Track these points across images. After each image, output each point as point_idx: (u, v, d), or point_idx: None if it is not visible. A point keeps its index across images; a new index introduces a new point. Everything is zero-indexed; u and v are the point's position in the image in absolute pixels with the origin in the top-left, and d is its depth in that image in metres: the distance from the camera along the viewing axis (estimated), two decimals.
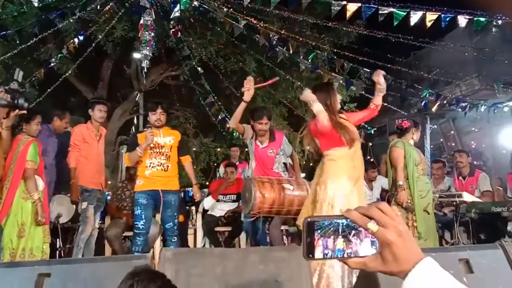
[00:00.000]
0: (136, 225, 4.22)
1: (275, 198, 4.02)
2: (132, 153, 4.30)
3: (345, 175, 3.29)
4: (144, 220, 4.21)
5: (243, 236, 5.49)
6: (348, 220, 0.74)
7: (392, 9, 6.04)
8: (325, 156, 3.45)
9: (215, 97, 8.92)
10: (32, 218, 4.00)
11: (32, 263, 2.38)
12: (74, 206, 5.16)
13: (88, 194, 4.71)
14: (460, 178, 5.97)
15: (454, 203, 5.04)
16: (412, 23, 6.13)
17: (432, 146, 11.44)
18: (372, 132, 10.75)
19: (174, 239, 4.36)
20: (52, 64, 8.15)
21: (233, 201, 6.08)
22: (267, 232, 4.35)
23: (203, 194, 6.45)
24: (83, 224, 4.67)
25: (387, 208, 0.74)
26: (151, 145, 4.32)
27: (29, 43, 7.75)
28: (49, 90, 7.93)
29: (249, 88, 4.05)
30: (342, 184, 3.27)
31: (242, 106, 4.19)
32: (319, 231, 0.74)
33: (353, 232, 0.74)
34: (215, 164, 11.48)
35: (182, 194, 6.29)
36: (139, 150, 4.24)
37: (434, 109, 8.98)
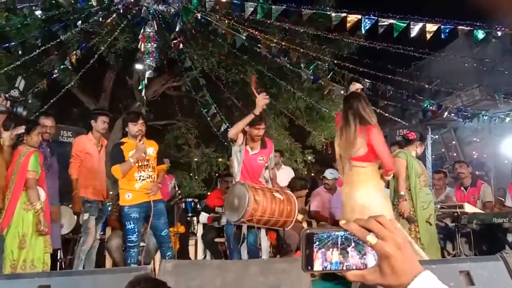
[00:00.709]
0: (130, 239, 4.24)
1: (266, 207, 3.85)
2: (124, 165, 4.25)
3: None
4: (137, 233, 4.26)
5: (244, 246, 5.46)
6: (347, 232, 0.74)
7: (392, 21, 6.09)
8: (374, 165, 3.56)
9: (217, 108, 8.96)
10: (33, 229, 3.99)
11: (32, 275, 2.38)
12: (75, 217, 5.16)
13: (89, 205, 4.71)
14: (462, 188, 5.96)
15: (455, 214, 5.03)
16: (412, 35, 6.17)
17: (433, 156, 11.42)
18: None
19: (170, 245, 4.47)
20: (54, 76, 8.21)
21: None
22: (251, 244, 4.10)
23: (199, 208, 6.42)
24: (85, 235, 4.66)
25: (386, 220, 0.74)
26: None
27: (32, 55, 7.82)
28: (52, 101, 7.98)
29: (264, 100, 4.10)
30: None
31: (249, 118, 4.11)
32: (317, 243, 0.74)
33: (352, 244, 0.74)
34: (217, 175, 11.49)
35: (183, 204, 6.26)
36: (132, 160, 4.23)
37: (434, 117, 8.99)
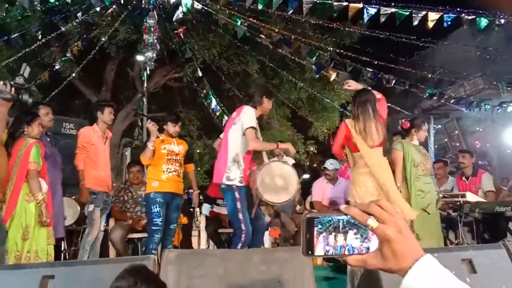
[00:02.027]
0: (155, 222, 4.46)
1: None
2: (145, 151, 4.60)
3: None
4: (162, 218, 4.48)
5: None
6: (348, 216, 0.74)
7: (394, 10, 6.04)
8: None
9: (218, 99, 8.95)
10: (35, 220, 4.00)
11: (36, 265, 2.40)
12: (79, 208, 5.18)
13: (95, 196, 4.71)
14: (464, 178, 5.96)
15: (458, 203, 5.02)
16: (414, 23, 6.12)
17: (436, 146, 11.43)
18: None
19: (173, 239, 4.82)
20: (56, 67, 8.19)
21: None
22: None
23: (201, 199, 6.47)
24: (90, 226, 4.68)
25: (387, 204, 0.74)
26: (164, 151, 4.62)
27: (33, 47, 7.79)
28: (53, 93, 7.97)
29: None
30: None
31: (272, 146, 4.05)
32: (319, 226, 0.74)
33: (353, 229, 0.74)
34: None
35: (186, 196, 6.28)
36: (150, 145, 4.54)
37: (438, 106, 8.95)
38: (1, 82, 3.03)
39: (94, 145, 4.85)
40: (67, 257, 4.97)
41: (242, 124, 3.84)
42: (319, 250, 0.74)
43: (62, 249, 4.91)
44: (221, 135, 4.29)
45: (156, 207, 4.50)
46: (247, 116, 3.86)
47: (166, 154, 4.67)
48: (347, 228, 0.74)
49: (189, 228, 6.28)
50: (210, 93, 9.03)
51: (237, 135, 3.89)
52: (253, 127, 3.83)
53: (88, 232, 4.66)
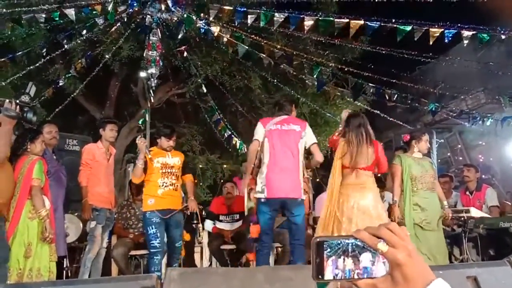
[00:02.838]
0: (153, 244, 4.29)
1: None
2: (134, 169, 4.47)
3: None
4: (159, 238, 4.28)
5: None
6: (358, 240, 0.73)
7: (395, 25, 6.08)
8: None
9: (221, 114, 8.98)
10: (38, 238, 4.00)
11: (37, 284, 2.39)
12: (81, 225, 5.17)
13: (97, 213, 4.72)
14: (467, 193, 5.93)
15: (462, 218, 5.00)
16: (415, 38, 6.16)
17: (439, 160, 11.38)
18: None
19: (178, 257, 4.55)
20: (60, 84, 8.26)
21: (236, 220, 5.90)
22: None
23: (204, 215, 6.43)
24: (91, 243, 4.68)
25: (397, 228, 0.74)
26: (158, 164, 4.45)
27: (38, 64, 7.88)
28: (57, 109, 8.03)
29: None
30: None
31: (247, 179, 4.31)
32: (328, 250, 0.74)
33: (363, 252, 0.74)
34: (221, 181, 11.48)
35: (189, 212, 6.26)
36: (139, 163, 4.36)
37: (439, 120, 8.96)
38: (7, 100, 3.07)
39: (98, 162, 4.88)
40: (69, 274, 4.95)
41: (307, 139, 4.13)
42: (328, 274, 0.73)
43: (64, 266, 4.89)
44: (260, 138, 4.15)
45: (152, 228, 4.32)
46: (311, 131, 4.24)
47: (160, 168, 4.46)
48: (357, 252, 0.73)
49: (192, 245, 6.23)
50: (213, 108, 9.07)
51: (302, 148, 4.12)
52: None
53: (89, 249, 4.66)
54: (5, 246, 3.47)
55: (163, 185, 4.44)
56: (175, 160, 4.62)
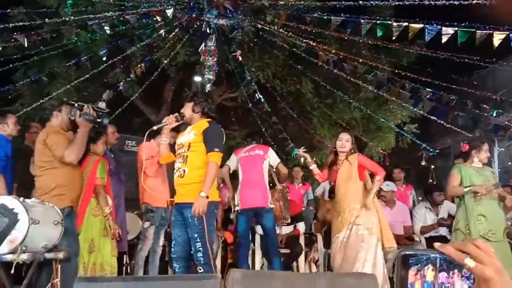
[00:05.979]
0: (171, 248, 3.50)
1: None
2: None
3: None
4: (174, 242, 3.39)
5: (301, 258, 5.44)
6: (442, 255, 0.74)
7: (455, 29, 5.88)
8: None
9: (276, 119, 9.02)
10: (100, 233, 4.20)
11: (109, 278, 2.52)
12: (140, 223, 5.35)
13: (152, 214, 4.82)
14: None
15: None
16: (477, 43, 5.93)
17: (500, 169, 10.84)
18: (435, 154, 10.32)
19: (200, 269, 3.18)
20: (120, 87, 8.63)
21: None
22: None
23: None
24: (142, 242, 4.82)
25: (483, 244, 0.74)
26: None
27: (100, 68, 8.28)
28: (116, 112, 8.38)
29: None
30: None
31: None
32: (412, 263, 0.75)
33: (447, 267, 0.74)
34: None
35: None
36: (162, 141, 3.64)
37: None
38: (86, 105, 3.27)
39: (153, 159, 5.02)
40: (128, 270, 5.14)
41: (271, 160, 4.96)
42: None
43: (124, 262, 5.08)
44: (231, 165, 5.03)
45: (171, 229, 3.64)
46: (274, 153, 5.06)
47: (177, 150, 3.52)
48: (443, 266, 0.74)
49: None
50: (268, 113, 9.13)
51: (266, 167, 4.91)
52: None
53: (141, 248, 4.80)
54: (77, 240, 3.68)
55: (175, 173, 3.46)
56: (187, 137, 3.43)
